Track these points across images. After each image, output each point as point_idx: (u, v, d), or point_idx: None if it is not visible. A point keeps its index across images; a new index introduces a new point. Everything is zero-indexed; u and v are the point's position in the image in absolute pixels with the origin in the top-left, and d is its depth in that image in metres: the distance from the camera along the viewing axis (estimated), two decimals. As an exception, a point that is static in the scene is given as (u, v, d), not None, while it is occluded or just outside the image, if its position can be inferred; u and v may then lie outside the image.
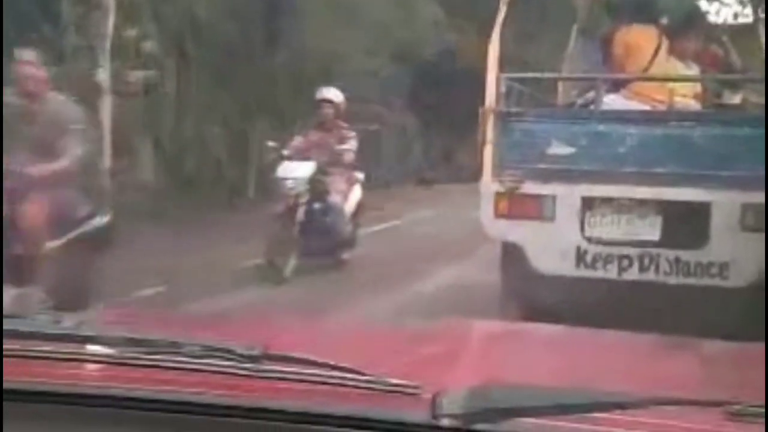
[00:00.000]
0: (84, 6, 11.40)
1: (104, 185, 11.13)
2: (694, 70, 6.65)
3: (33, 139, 5.76)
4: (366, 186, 10.07)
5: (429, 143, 19.11)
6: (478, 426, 1.17)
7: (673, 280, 5.97)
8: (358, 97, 17.68)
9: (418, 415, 1.19)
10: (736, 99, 6.47)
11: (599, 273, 6.09)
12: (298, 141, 9.64)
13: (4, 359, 1.30)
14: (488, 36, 6.49)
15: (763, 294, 5.29)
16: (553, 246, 6.10)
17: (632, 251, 6.04)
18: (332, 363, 1.30)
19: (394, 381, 1.26)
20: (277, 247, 8.53)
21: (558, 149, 6.13)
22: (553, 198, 6.12)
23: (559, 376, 1.60)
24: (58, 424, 1.27)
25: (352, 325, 2.65)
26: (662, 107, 6.28)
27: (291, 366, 1.31)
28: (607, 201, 6.10)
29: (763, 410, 1.18)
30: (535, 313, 5.89)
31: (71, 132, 5.80)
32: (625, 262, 6.06)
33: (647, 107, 6.31)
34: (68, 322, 1.56)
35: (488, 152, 6.22)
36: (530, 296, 6.07)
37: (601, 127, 6.11)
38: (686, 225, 5.94)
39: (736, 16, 13.34)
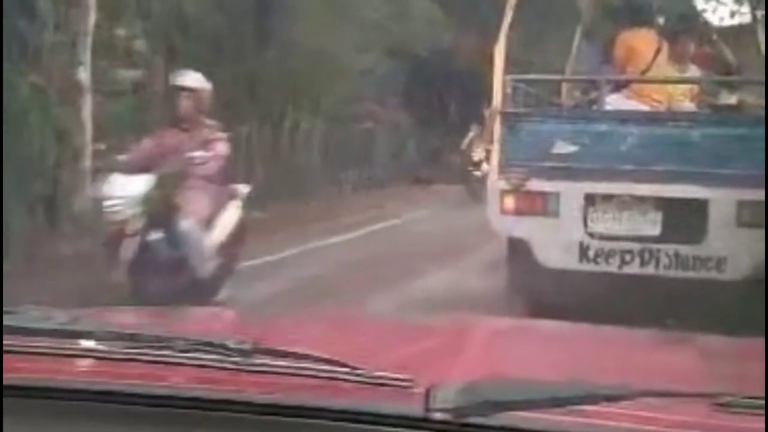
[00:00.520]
0: (63, 2, 11.05)
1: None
2: (692, 72, 6.95)
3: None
4: (362, 185, 10.15)
5: (424, 141, 19.29)
6: (471, 419, 1.17)
7: (672, 274, 6.26)
8: (352, 95, 17.87)
9: (411, 408, 1.20)
10: (733, 100, 6.76)
11: (601, 267, 6.40)
12: (143, 145, 7.31)
13: None
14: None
15: (759, 287, 5.56)
16: (557, 241, 6.42)
17: (633, 246, 6.35)
18: (323, 356, 1.30)
19: (387, 374, 1.26)
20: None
21: (562, 148, 6.44)
22: (557, 195, 6.43)
23: (556, 371, 1.61)
24: (48, 420, 1.27)
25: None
26: (662, 108, 6.58)
27: (282, 360, 1.31)
28: (609, 198, 6.41)
29: (752, 401, 1.21)
30: (539, 305, 6.23)
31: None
32: (627, 257, 6.36)
33: (647, 108, 6.61)
34: (59, 318, 1.55)
35: (495, 151, 6.52)
36: (535, 289, 6.40)
37: (604, 127, 6.42)
38: (685, 221, 6.24)
39: (733, 15, 13.63)
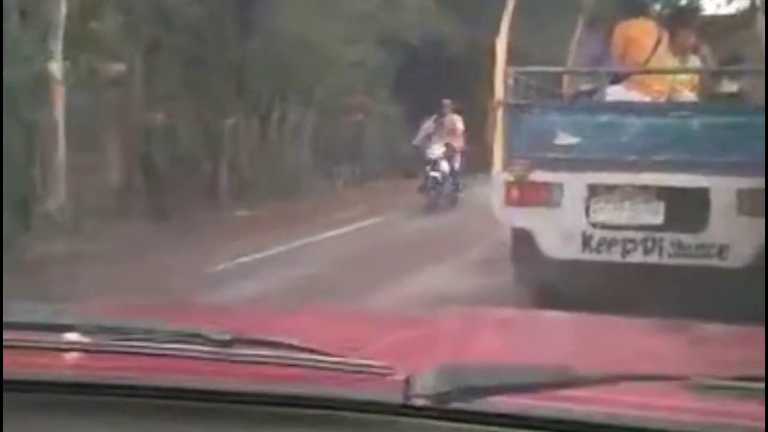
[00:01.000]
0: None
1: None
2: (693, 62, 7.08)
3: None
4: (354, 180, 9.99)
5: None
6: (451, 405, 1.19)
7: (675, 262, 6.40)
8: (342, 87, 17.75)
9: (390, 395, 1.22)
10: (733, 88, 6.89)
11: (604, 256, 6.54)
12: None
13: None
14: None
15: (759, 274, 5.69)
16: (560, 231, 6.56)
17: (636, 235, 6.49)
18: (304, 345, 1.32)
19: (367, 362, 1.28)
20: None
21: (564, 139, 6.57)
22: (560, 185, 6.57)
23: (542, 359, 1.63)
24: (31, 413, 1.28)
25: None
26: (662, 98, 6.71)
27: (262, 349, 1.33)
28: (612, 188, 6.56)
29: (728, 383, 1.25)
30: (543, 293, 6.37)
31: None
32: (630, 246, 6.49)
33: (648, 98, 6.73)
34: (42, 312, 1.56)
35: (498, 143, 6.64)
36: (539, 279, 6.53)
37: (605, 118, 6.56)
38: (687, 209, 6.38)
39: (731, 2, 13.71)
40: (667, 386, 1.27)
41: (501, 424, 1.19)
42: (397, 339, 1.80)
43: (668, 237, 6.45)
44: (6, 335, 1.34)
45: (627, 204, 6.55)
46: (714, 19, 8.68)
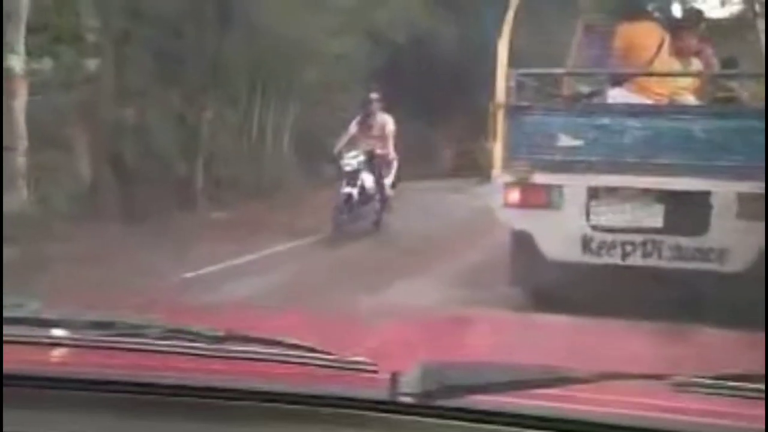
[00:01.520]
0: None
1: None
2: (695, 66, 7.14)
3: None
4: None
5: (404, 134, 18.96)
6: (436, 402, 1.22)
7: (674, 265, 6.46)
8: (325, 83, 17.54)
9: (377, 392, 1.25)
10: (734, 92, 6.96)
11: (604, 259, 6.60)
12: None
13: None
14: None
15: (759, 278, 5.75)
16: (560, 233, 6.63)
17: (636, 238, 6.56)
18: (293, 342, 1.35)
19: (354, 359, 1.31)
20: None
21: (565, 141, 6.63)
22: (561, 188, 6.61)
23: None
24: (19, 408, 1.28)
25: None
26: (664, 101, 6.77)
27: (253, 346, 1.36)
28: (612, 190, 6.63)
29: (707, 381, 1.28)
30: (543, 296, 6.41)
31: None
32: (629, 248, 6.56)
33: (649, 101, 6.79)
34: (31, 306, 1.58)
35: (498, 144, 6.67)
36: (539, 281, 6.57)
37: (606, 120, 6.61)
38: (687, 213, 6.45)
39: (730, 7, 13.79)
40: (650, 385, 1.31)
41: (485, 421, 1.22)
42: (386, 339, 1.84)
43: (668, 240, 6.51)
44: None
45: (627, 207, 6.62)
46: (716, 22, 8.76)
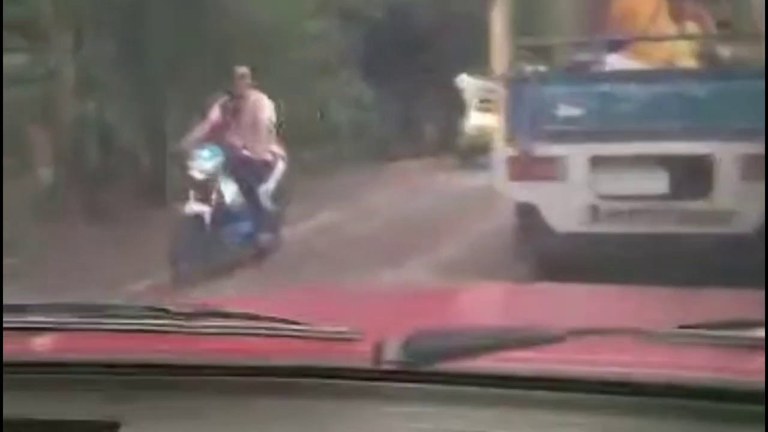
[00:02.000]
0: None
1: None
2: (691, 29, 7.14)
3: None
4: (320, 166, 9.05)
5: (387, 114, 18.83)
6: (419, 368, 1.22)
7: (682, 230, 6.48)
8: (303, 65, 17.31)
9: (360, 361, 1.24)
10: (734, 53, 6.96)
11: (611, 227, 6.60)
12: None
13: None
14: None
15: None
16: (566, 204, 6.64)
17: (642, 205, 6.55)
18: (271, 315, 1.35)
19: (336, 329, 1.31)
20: None
21: (566, 111, 6.63)
22: (564, 158, 6.61)
23: None
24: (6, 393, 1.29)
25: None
26: (663, 65, 6.77)
27: (230, 321, 1.36)
28: (616, 158, 6.60)
29: (675, 331, 1.29)
30: (552, 268, 6.41)
31: None
32: (636, 216, 6.56)
33: (649, 66, 6.79)
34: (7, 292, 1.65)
35: (500, 117, 6.67)
36: (546, 253, 6.58)
37: (607, 87, 6.61)
38: (691, 177, 6.47)
39: None
40: (615, 338, 1.30)
41: (468, 384, 1.23)
42: (373, 310, 1.84)
43: (674, 205, 6.53)
44: None
45: (632, 174, 6.62)
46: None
